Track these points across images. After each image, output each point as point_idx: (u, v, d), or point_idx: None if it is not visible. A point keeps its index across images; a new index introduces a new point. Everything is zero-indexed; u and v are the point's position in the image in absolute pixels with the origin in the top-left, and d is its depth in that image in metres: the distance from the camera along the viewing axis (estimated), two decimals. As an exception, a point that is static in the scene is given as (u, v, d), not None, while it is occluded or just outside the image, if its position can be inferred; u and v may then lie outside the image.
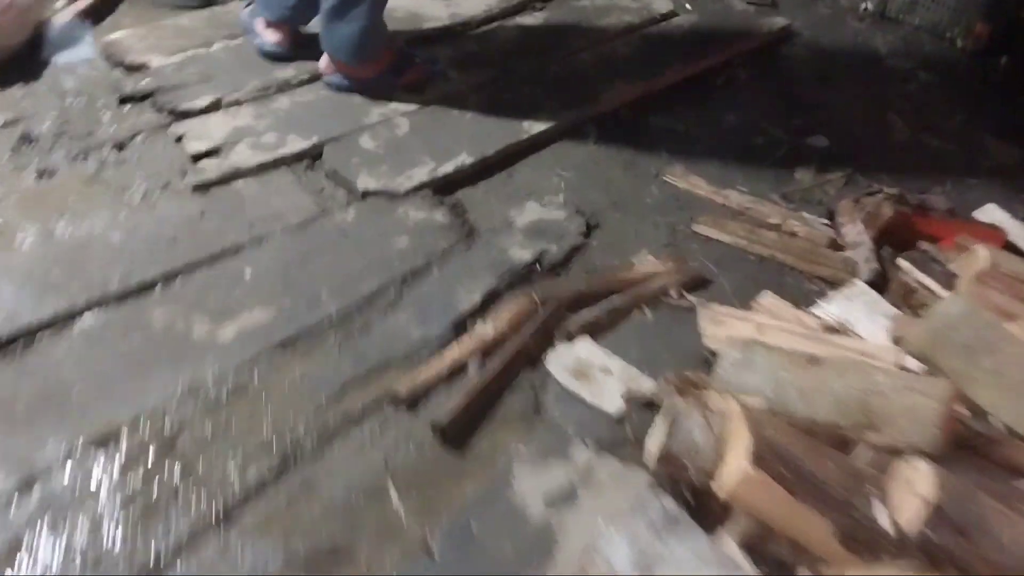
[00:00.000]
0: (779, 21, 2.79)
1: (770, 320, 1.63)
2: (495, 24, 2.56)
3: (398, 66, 2.17)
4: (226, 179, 1.83)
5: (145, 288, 1.58)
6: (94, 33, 2.19)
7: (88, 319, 1.51)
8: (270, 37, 2.15)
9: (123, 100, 2.00)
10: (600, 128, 2.23)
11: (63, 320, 1.50)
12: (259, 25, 2.16)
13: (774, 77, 2.61)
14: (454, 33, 2.48)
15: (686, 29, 2.70)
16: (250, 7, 2.22)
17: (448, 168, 1.96)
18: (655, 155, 2.18)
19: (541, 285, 1.72)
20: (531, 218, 1.90)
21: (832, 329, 1.61)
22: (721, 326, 1.62)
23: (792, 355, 1.46)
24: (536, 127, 2.14)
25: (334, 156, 1.95)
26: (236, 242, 1.70)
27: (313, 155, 1.95)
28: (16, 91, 1.99)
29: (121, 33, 2.18)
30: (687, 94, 2.44)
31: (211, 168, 1.84)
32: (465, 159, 1.99)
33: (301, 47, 2.20)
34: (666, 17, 2.73)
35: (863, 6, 3.02)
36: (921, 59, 2.80)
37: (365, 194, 1.87)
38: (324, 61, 2.11)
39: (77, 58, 2.11)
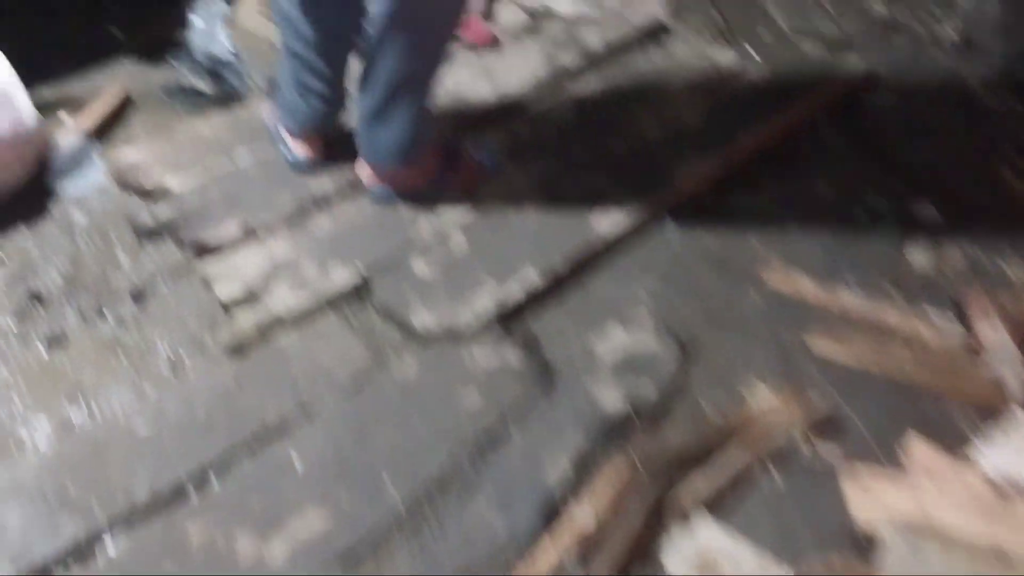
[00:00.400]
0: (859, 66, 2.50)
1: (927, 481, 1.35)
2: (546, 98, 2.29)
3: (448, 166, 1.91)
4: (264, 332, 1.58)
5: (178, 495, 1.33)
6: (104, 153, 1.95)
7: (113, 546, 1.26)
8: (297, 149, 1.90)
9: (140, 235, 1.76)
10: (678, 217, 1.96)
11: (84, 552, 1.25)
12: (284, 134, 1.91)
13: (861, 132, 2.31)
14: (503, 114, 2.21)
15: (757, 84, 2.42)
16: (271, 108, 1.97)
17: (514, 290, 1.70)
18: (746, 247, 1.90)
19: (640, 441, 1.45)
20: (616, 347, 1.63)
21: (1004, 492, 1.32)
22: (871, 495, 1.34)
23: (971, 549, 1.18)
24: (606, 225, 1.87)
25: (385, 288, 1.70)
26: (281, 418, 1.45)
27: (361, 289, 1.70)
28: (22, 235, 1.76)
29: (133, 151, 1.94)
30: (768, 163, 2.15)
31: (246, 319, 1.59)
32: (531, 276, 1.73)
33: (334, 150, 1.94)
34: (733, 72, 2.45)
35: (948, 37, 2.72)
36: (1021, 92, 2.50)
37: (423, 335, 1.61)
38: (365, 170, 1.86)
39: (87, 186, 1.87)
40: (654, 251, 1.87)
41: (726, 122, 2.24)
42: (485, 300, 1.68)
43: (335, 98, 1.88)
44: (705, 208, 1.99)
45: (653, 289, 1.77)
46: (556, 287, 1.75)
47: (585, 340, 1.65)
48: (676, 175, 2.03)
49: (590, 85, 2.36)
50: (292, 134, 1.90)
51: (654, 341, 1.65)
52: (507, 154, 2.05)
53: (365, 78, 1.72)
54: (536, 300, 1.72)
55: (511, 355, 1.59)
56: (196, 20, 2.37)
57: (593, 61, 2.45)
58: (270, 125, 1.96)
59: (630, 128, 2.19)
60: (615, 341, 1.64)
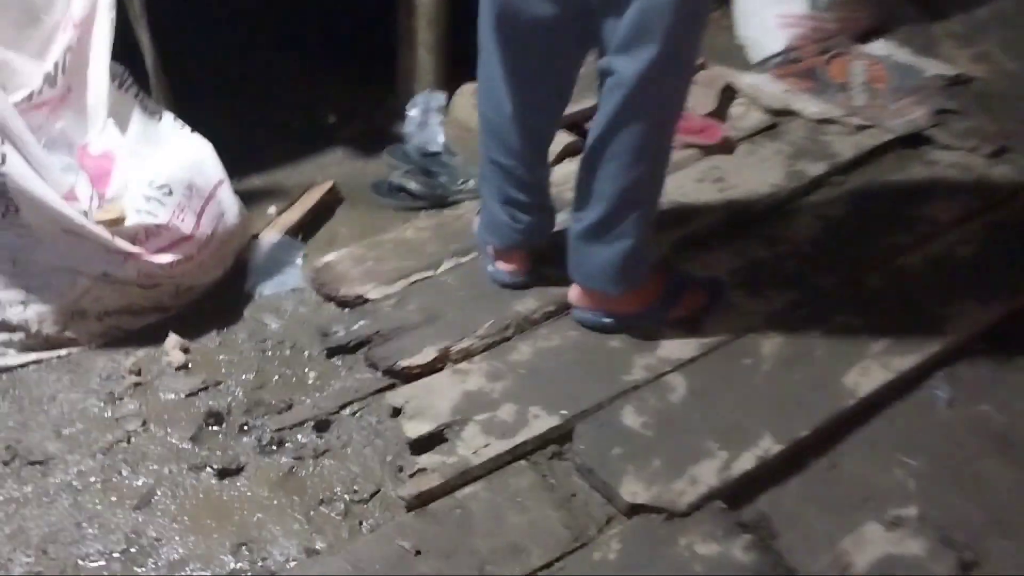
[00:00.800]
0: None
1: None
2: (786, 214, 1.98)
3: (670, 294, 1.64)
4: (451, 487, 1.36)
5: None
6: (305, 252, 1.82)
7: None
8: (503, 266, 1.70)
9: (331, 351, 1.60)
10: (951, 377, 1.59)
11: None
12: (489, 251, 1.71)
13: None
14: (734, 230, 1.92)
15: (1044, 208, 2.00)
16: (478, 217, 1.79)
17: (745, 462, 1.40)
18: (1039, 426, 1.51)
19: None
20: (873, 551, 1.30)
21: None
22: None
23: None
24: (863, 384, 1.53)
25: (589, 441, 1.44)
26: (460, 603, 1.21)
27: (562, 440, 1.45)
28: (211, 340, 1.64)
29: (334, 255, 1.80)
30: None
31: (432, 468, 1.38)
32: (768, 445, 1.42)
33: (542, 266, 1.73)
34: (1012, 193, 2.04)
35: None
36: None
37: (631, 509, 1.34)
38: (575, 292, 1.63)
39: (284, 288, 1.75)
40: (920, 420, 1.52)
41: (1005, 254, 1.85)
42: (709, 470, 1.39)
43: (542, 210, 1.68)
44: (984, 367, 1.61)
45: (920, 472, 1.42)
46: (798, 460, 1.43)
47: (833, 537, 1.32)
48: (946, 321, 1.67)
49: (837, 200, 2.03)
50: (496, 250, 1.70)
51: (922, 548, 1.30)
52: (738, 280, 1.76)
53: (583, 190, 1.51)
54: (772, 475, 1.41)
55: (739, 550, 1.28)
56: (412, 111, 2.25)
57: (841, 171, 2.13)
58: (478, 237, 1.77)
59: (886, 256, 1.85)
60: (873, 544, 1.31)
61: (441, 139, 2.23)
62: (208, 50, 2.32)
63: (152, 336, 1.62)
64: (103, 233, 1.51)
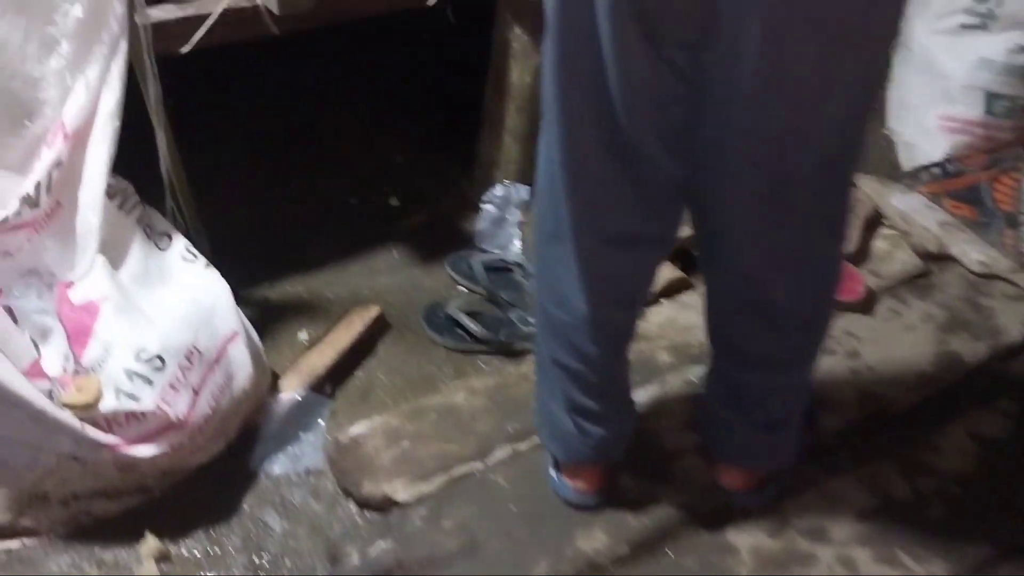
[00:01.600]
0: None
1: None
2: (931, 420, 1.54)
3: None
4: None
5: None
6: (330, 416, 1.45)
7: None
8: (569, 481, 1.30)
9: (350, 584, 1.24)
10: None
11: None
12: (551, 460, 1.32)
13: None
14: (865, 430, 1.49)
15: None
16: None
17: None
18: None
19: None
20: None
21: None
22: None
23: None
24: None
25: None
26: None
27: None
28: (197, 543, 1.29)
29: (364, 426, 1.42)
30: None
31: None
32: None
33: (619, 477, 1.34)
34: None
35: None
36: None
37: None
38: (736, 478, 1.31)
39: (297, 466, 1.38)
40: None
41: None
42: None
43: (620, 414, 1.27)
44: None
45: None
46: None
47: None
48: None
49: (997, 408, 1.57)
50: (561, 463, 1.30)
51: None
52: (871, 532, 1.34)
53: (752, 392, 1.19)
54: None
55: None
56: (488, 205, 1.84)
57: (1004, 356, 1.65)
58: (537, 430, 1.37)
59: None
60: None
61: (518, 244, 1.82)
62: (248, 109, 1.93)
63: (127, 526, 1.28)
64: (70, 420, 1.16)
